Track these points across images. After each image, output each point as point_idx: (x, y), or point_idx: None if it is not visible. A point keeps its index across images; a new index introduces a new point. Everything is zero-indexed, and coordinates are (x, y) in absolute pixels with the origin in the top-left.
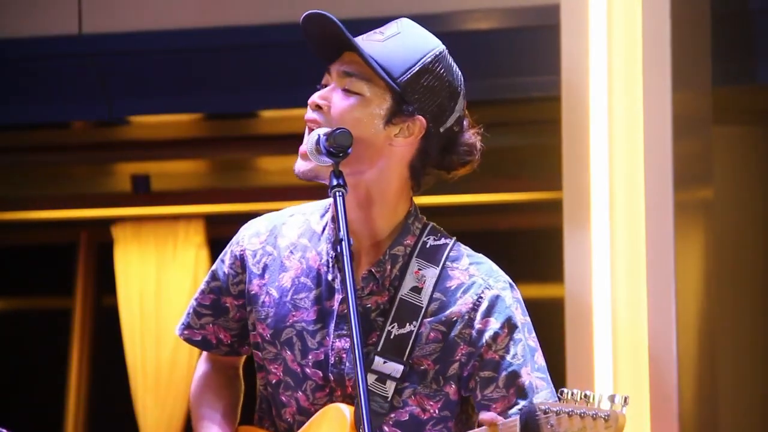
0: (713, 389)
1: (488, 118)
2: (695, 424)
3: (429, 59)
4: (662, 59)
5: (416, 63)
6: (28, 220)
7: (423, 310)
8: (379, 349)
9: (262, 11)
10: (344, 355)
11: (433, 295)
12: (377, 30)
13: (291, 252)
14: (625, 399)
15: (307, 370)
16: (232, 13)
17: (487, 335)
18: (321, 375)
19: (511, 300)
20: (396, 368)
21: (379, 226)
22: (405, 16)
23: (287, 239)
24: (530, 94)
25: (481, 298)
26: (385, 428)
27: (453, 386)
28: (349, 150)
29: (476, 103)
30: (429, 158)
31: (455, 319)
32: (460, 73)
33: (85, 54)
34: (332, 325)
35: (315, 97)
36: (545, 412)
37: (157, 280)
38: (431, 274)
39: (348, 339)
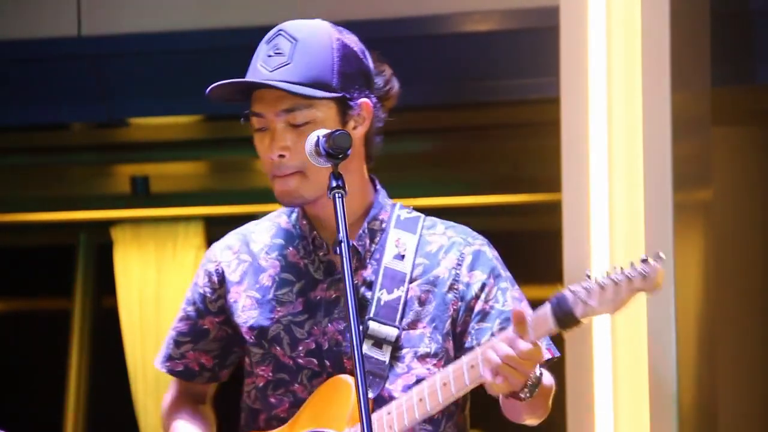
0: (713, 390)
1: (487, 119)
2: (695, 425)
3: (337, 47)
4: (661, 60)
5: (333, 59)
6: (27, 221)
7: (408, 275)
8: (371, 315)
9: (261, 13)
10: (339, 337)
11: (416, 261)
12: (268, 53)
13: (266, 253)
14: (658, 255)
15: (300, 360)
16: (232, 15)
17: (475, 287)
18: (316, 362)
19: (492, 254)
20: (390, 332)
21: (355, 207)
22: (403, 18)
23: (260, 243)
24: (529, 96)
25: (464, 254)
26: (395, 395)
27: (451, 342)
28: (348, 151)
29: (475, 105)
30: (380, 121)
31: (442, 277)
32: (347, 31)
33: (84, 55)
34: (321, 313)
35: (273, 152)
36: (573, 293)
37: (156, 282)
38: (411, 241)
39: (341, 321)
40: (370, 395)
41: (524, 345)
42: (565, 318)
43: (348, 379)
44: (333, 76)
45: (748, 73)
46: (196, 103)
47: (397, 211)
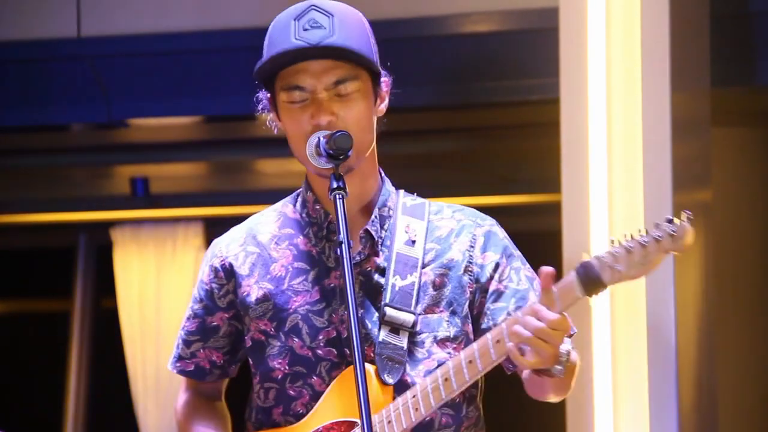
0: (712, 389)
1: (487, 120)
2: (695, 425)
3: (367, 24)
4: (661, 61)
5: (368, 34)
6: (27, 222)
7: (420, 261)
8: (387, 300)
9: (259, 14)
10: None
11: (427, 246)
12: (304, 27)
13: (276, 243)
14: (688, 216)
15: (319, 351)
16: (231, 16)
17: (489, 268)
18: (335, 353)
19: (503, 234)
20: (406, 318)
21: (368, 191)
22: (404, 19)
23: (267, 235)
24: (529, 97)
25: (475, 236)
26: (418, 380)
27: (470, 325)
28: (349, 152)
29: (475, 106)
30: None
31: (457, 260)
32: None
33: (83, 56)
34: (336, 301)
35: (321, 117)
36: (599, 259)
37: (156, 283)
38: (420, 227)
39: (359, 308)
40: (390, 381)
41: (552, 315)
42: (593, 284)
43: (367, 367)
44: (371, 50)
45: (748, 74)
46: (195, 104)
47: (402, 198)
